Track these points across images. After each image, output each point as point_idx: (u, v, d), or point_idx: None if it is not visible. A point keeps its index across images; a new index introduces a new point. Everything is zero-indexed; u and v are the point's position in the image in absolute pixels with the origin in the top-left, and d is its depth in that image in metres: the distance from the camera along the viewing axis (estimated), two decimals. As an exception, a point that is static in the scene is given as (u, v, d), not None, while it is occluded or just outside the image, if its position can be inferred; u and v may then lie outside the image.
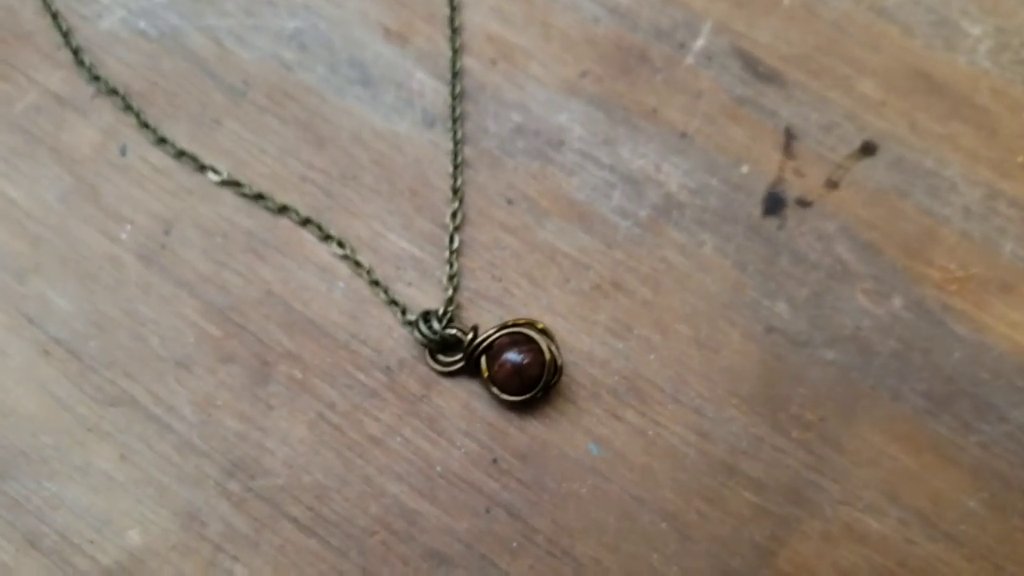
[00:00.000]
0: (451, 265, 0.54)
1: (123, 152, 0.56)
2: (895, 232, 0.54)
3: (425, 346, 0.52)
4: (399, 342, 0.53)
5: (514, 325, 0.51)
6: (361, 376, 0.53)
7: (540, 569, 0.50)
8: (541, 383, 0.51)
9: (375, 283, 0.53)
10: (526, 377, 0.51)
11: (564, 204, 0.55)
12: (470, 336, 0.51)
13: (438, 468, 0.51)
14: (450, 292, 0.53)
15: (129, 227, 0.55)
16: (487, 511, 0.51)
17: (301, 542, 0.50)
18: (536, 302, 0.54)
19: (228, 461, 0.51)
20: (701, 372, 0.52)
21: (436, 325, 0.52)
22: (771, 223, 0.55)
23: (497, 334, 0.51)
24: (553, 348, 0.51)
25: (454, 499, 0.51)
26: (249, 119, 0.56)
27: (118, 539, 0.50)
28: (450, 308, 0.53)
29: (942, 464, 0.51)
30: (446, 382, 0.53)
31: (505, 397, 0.51)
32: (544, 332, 0.51)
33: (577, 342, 0.53)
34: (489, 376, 0.51)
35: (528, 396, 0.51)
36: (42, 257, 0.54)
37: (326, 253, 0.54)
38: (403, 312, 0.53)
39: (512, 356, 0.51)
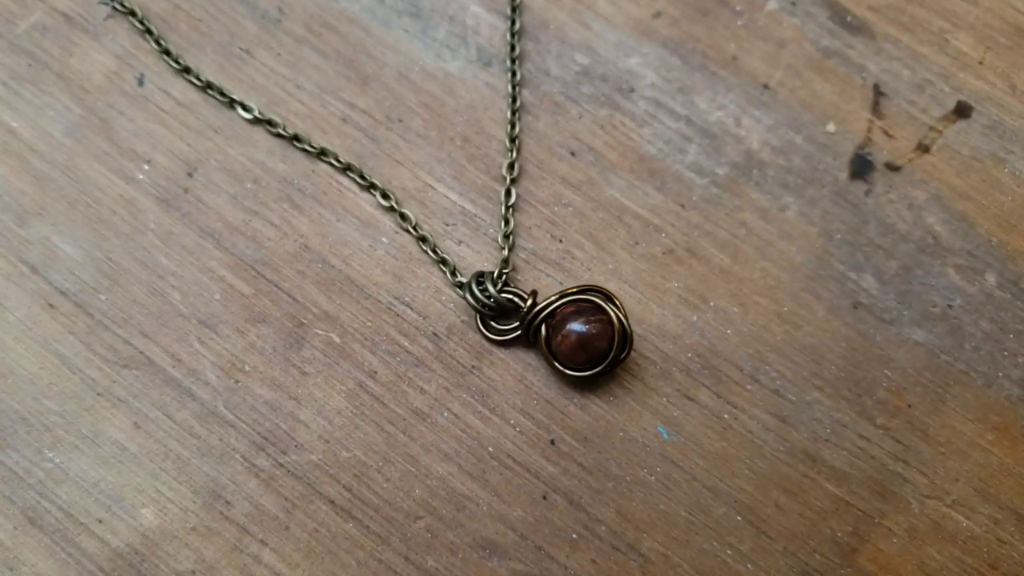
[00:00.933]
0: (507, 222, 0.48)
1: (140, 82, 0.50)
2: (991, 203, 0.50)
3: (477, 311, 0.47)
4: (447, 306, 0.48)
5: (579, 291, 0.46)
6: (405, 342, 0.47)
7: (603, 564, 0.45)
8: (609, 357, 0.46)
9: (422, 239, 0.48)
10: (592, 350, 0.45)
11: (634, 158, 0.50)
12: (529, 302, 0.46)
13: (490, 448, 0.46)
14: (505, 252, 0.48)
15: (147, 167, 0.49)
16: (544, 498, 0.46)
17: (337, 526, 0.45)
18: (600, 266, 0.48)
19: (257, 433, 0.46)
20: (782, 350, 0.48)
21: (490, 288, 0.46)
22: (858, 188, 0.50)
23: (560, 301, 0.46)
24: (623, 318, 0.46)
25: (507, 483, 0.46)
26: (284, 51, 0.50)
27: (130, 518, 0.45)
28: (506, 270, 0.47)
29: (1038, 459, 0.47)
30: (499, 352, 0.47)
31: (568, 371, 0.46)
32: (612, 300, 0.46)
33: (646, 313, 0.48)
34: (549, 347, 0.46)
35: (594, 371, 0.46)
36: (47, 198, 0.48)
37: (368, 204, 0.49)
38: (453, 272, 0.48)
39: (577, 326, 0.45)
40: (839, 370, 0.47)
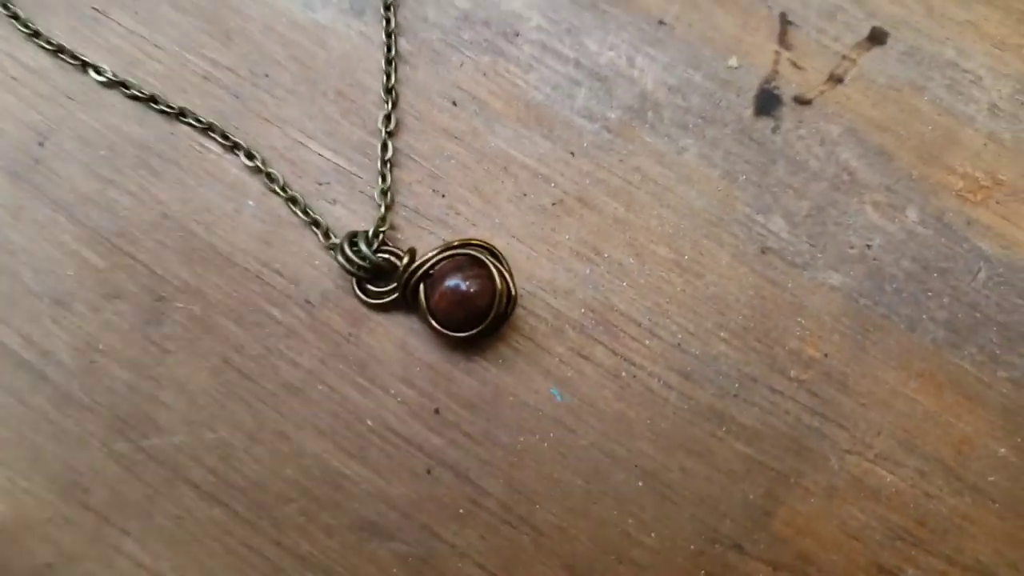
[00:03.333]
0: (383, 178, 0.45)
1: (-13, 49, 0.47)
2: (910, 134, 0.46)
3: (352, 274, 0.44)
4: (322, 271, 0.44)
5: (459, 246, 0.43)
6: (275, 312, 0.44)
7: (493, 540, 0.41)
8: (491, 315, 0.42)
9: (292, 200, 0.45)
10: (472, 308, 0.42)
11: (519, 106, 0.46)
12: (405, 260, 0.43)
13: (369, 421, 0.43)
14: (382, 210, 0.44)
15: (-6, 138, 0.45)
16: (428, 472, 0.42)
17: (203, 512, 0.42)
18: (486, 221, 0.45)
19: (116, 417, 0.43)
20: (684, 302, 0.44)
21: (364, 248, 0.43)
22: (764, 125, 0.46)
23: (438, 256, 0.43)
24: (505, 273, 0.42)
25: (388, 458, 0.42)
26: (141, 8, 0.47)
27: (-18, 512, 0.42)
28: (382, 228, 0.44)
29: (967, 405, 0.43)
30: (378, 318, 0.44)
31: (447, 332, 0.42)
32: (494, 255, 0.43)
33: (536, 268, 0.44)
34: (428, 308, 0.43)
35: (475, 331, 0.42)
36: None
37: (233, 166, 0.45)
38: (326, 234, 0.44)
39: (455, 283, 0.42)
40: (747, 320, 0.44)
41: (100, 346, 0.43)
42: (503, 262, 0.43)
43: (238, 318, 0.44)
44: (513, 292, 0.42)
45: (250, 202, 0.45)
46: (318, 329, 0.44)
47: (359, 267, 0.43)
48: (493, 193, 0.45)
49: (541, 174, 0.45)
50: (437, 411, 0.43)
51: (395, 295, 0.43)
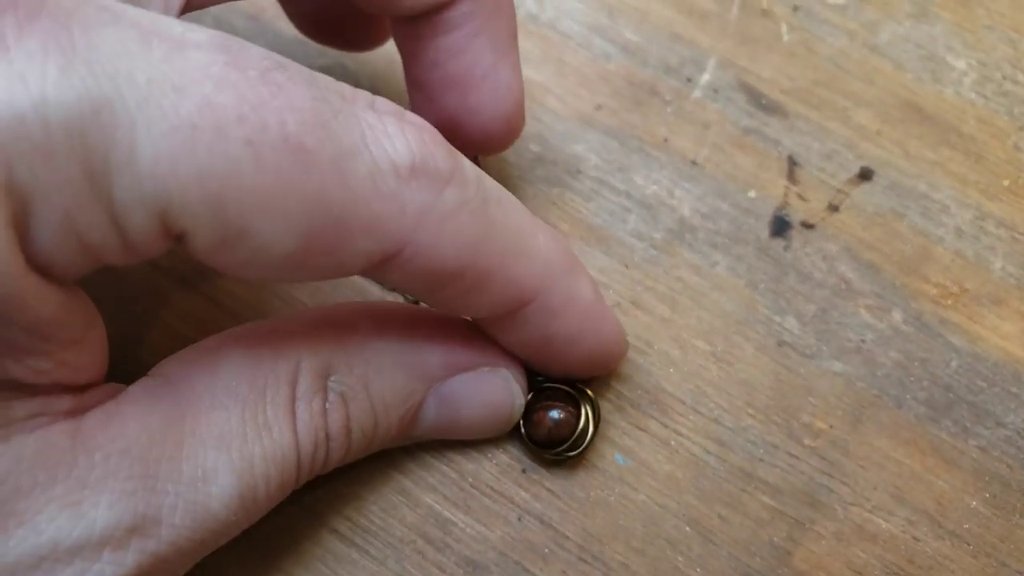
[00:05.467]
0: None
1: None
2: (893, 252, 0.58)
3: None
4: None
5: (570, 386, 0.53)
6: (395, 393, 0.55)
7: (571, 574, 0.52)
8: (564, 445, 0.52)
9: (406, 304, 0.56)
10: (555, 434, 0.53)
11: (583, 228, 0.58)
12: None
13: (470, 479, 0.54)
14: None
15: None
16: (519, 519, 0.53)
17: (343, 552, 0.52)
18: (559, 321, 0.56)
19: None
20: (719, 384, 0.55)
21: None
22: (778, 244, 0.58)
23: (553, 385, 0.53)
24: (591, 421, 0.53)
25: (486, 508, 0.53)
26: None
27: None
28: None
29: (944, 467, 0.54)
30: (476, 398, 0.55)
31: (528, 442, 0.53)
32: (593, 404, 0.53)
33: (600, 358, 0.56)
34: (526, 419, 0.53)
35: (548, 452, 0.53)
36: None
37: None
38: None
39: (553, 411, 0.53)
40: (768, 399, 0.55)
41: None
42: (595, 412, 0.53)
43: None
44: (589, 435, 0.53)
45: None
46: (428, 406, 0.55)
47: None
48: (565, 298, 0.57)
49: (601, 282, 0.57)
50: (524, 471, 0.54)
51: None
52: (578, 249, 0.57)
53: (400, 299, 0.57)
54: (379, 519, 0.53)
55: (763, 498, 0.53)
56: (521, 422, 0.53)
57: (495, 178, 0.55)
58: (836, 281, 0.57)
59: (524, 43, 0.62)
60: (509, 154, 0.59)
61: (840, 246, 0.58)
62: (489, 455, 0.54)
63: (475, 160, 0.49)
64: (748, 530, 0.52)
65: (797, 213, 0.59)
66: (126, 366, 0.48)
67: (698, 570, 0.52)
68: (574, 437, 0.52)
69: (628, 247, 0.58)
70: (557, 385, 0.53)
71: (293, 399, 0.44)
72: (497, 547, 0.52)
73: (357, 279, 0.57)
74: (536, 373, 0.53)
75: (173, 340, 0.56)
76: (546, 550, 0.52)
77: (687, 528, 0.53)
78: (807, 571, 0.52)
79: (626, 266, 0.57)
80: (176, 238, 0.36)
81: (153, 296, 0.57)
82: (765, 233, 0.58)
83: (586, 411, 0.53)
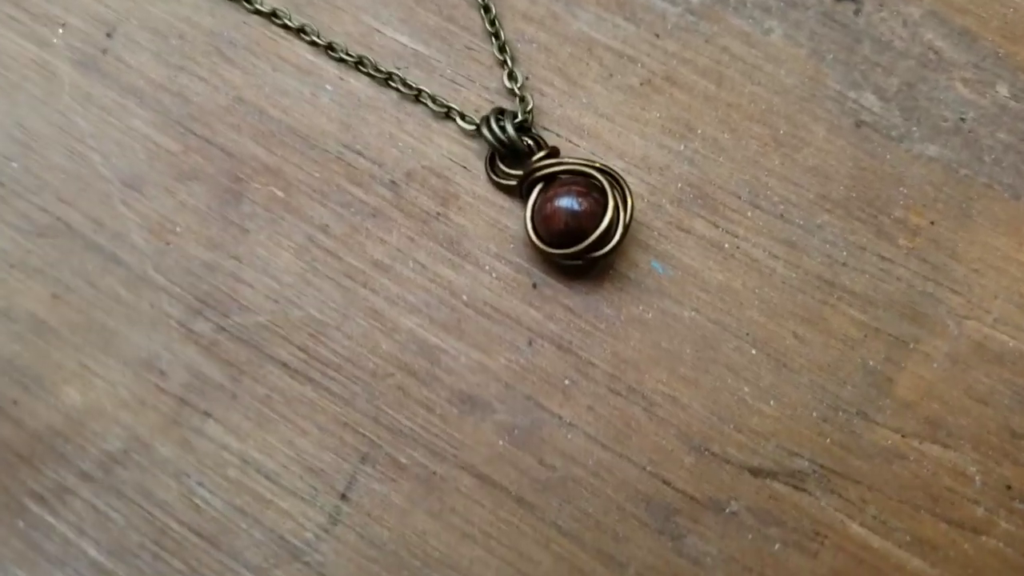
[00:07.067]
0: (507, 63, 0.43)
1: (51, -54, 0.45)
2: (991, 15, 0.45)
3: (494, 148, 0.41)
4: (405, 153, 0.42)
5: (597, 168, 0.41)
6: (359, 192, 0.42)
7: (602, 410, 0.39)
8: (586, 242, 0.40)
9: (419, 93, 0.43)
10: (575, 225, 0.40)
11: (598, -9, 0.45)
12: (543, 153, 0.41)
13: (464, 296, 0.40)
14: (523, 95, 0.43)
15: (61, 31, 0.44)
16: (529, 344, 0.40)
17: (292, 390, 0.39)
18: (573, 101, 0.43)
19: (193, 297, 0.40)
20: (783, 175, 0.42)
21: (509, 128, 0.41)
22: (846, 7, 0.45)
23: (571, 165, 0.40)
24: (622, 210, 0.40)
25: (486, 332, 0.40)
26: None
27: (50, 397, 0.38)
28: (529, 111, 0.42)
29: (1083, 269, 0.41)
30: (467, 198, 0.42)
31: (539, 243, 0.40)
32: (623, 188, 0.41)
33: (627, 145, 0.43)
34: (532, 208, 0.40)
35: (565, 251, 0.40)
36: (-51, 67, 0.43)
37: (307, 52, 0.44)
38: (462, 116, 0.42)
39: (569, 200, 0.40)
40: (848, 191, 0.42)
41: (176, 228, 0.41)
42: (627, 198, 0.41)
43: (321, 198, 0.41)
44: (620, 231, 0.40)
45: (328, 87, 0.43)
46: (405, 208, 0.42)
47: (501, 142, 0.41)
48: (578, 75, 0.44)
49: (627, 55, 0.44)
50: (535, 285, 0.41)
51: (514, 181, 0.41)
52: (595, 16, 0.44)
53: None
54: (343, 348, 0.39)
55: (851, 311, 0.40)
56: (528, 218, 0.40)
57: None
58: (922, 50, 0.44)
59: None
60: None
61: (924, 10, 0.45)
62: (487, 267, 0.40)
63: None
64: (834, 352, 0.39)
65: (867, -26, 0.46)
66: None
67: (771, 403, 0.39)
68: (599, 233, 0.39)
69: (658, 13, 0.45)
70: (576, 164, 0.40)
71: None
72: (501, 378, 0.39)
73: None
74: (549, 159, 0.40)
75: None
76: (567, 381, 0.39)
77: (752, 351, 0.40)
78: (916, 402, 0.39)
79: (657, 35, 0.44)
80: None
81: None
82: (829, -5, 0.45)
83: (615, 198, 0.40)
